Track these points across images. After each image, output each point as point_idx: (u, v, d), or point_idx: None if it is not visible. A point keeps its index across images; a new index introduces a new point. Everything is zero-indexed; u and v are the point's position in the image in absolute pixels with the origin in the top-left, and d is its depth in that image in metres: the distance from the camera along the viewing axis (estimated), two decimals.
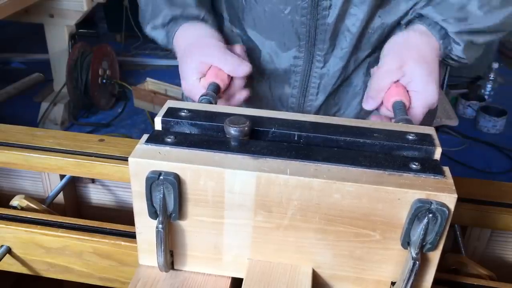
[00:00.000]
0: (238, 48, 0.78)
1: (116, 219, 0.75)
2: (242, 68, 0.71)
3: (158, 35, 0.81)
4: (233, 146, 0.53)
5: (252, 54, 0.82)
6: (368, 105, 0.73)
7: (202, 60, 0.72)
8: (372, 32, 0.78)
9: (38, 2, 2.43)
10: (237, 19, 0.83)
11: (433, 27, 0.73)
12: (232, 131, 0.54)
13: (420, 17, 0.75)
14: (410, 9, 0.77)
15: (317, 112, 0.85)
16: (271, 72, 0.83)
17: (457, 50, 0.74)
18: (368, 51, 0.81)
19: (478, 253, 0.83)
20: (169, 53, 3.73)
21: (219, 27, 0.84)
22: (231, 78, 0.73)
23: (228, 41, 0.81)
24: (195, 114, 0.57)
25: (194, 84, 0.73)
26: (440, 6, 0.73)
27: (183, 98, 0.99)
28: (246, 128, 0.54)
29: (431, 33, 0.73)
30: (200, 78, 0.72)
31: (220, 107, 0.61)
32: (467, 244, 0.82)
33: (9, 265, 0.73)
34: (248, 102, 0.80)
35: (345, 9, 0.74)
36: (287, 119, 0.58)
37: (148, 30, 0.82)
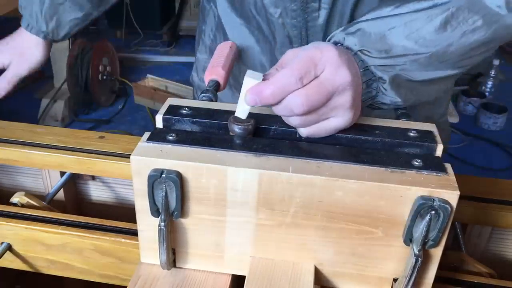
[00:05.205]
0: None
1: (117, 216, 0.75)
2: None
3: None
4: (235, 144, 0.53)
5: (245, 56, 0.81)
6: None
7: None
8: None
9: None
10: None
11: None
12: (237, 129, 0.54)
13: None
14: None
15: None
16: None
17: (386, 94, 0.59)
18: None
19: (478, 250, 0.83)
20: (170, 49, 3.73)
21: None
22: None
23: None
24: (196, 112, 0.57)
25: None
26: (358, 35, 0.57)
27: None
28: (250, 126, 0.54)
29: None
30: None
31: (221, 105, 0.61)
32: (468, 242, 0.82)
33: (10, 262, 0.73)
34: None
35: (335, 11, 0.71)
36: None
37: None
